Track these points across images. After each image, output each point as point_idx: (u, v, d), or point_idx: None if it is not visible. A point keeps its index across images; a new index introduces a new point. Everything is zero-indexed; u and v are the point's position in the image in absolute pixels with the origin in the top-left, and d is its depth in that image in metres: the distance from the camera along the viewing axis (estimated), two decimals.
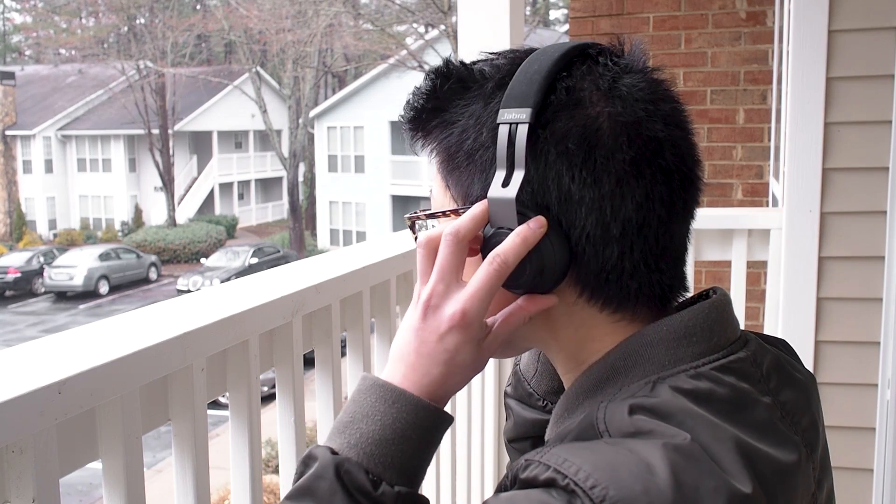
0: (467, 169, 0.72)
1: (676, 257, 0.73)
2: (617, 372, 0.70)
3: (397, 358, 0.73)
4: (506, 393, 1.00)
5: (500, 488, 0.67)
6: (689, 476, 0.59)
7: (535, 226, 0.69)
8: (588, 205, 0.67)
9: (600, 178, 0.67)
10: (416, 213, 0.80)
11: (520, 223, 0.68)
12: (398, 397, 0.70)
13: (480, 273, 0.70)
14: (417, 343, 0.72)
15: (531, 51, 0.74)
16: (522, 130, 0.67)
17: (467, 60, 0.76)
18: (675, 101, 0.72)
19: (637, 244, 0.69)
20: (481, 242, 0.72)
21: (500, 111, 0.69)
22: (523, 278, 0.70)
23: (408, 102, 0.76)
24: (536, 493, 0.60)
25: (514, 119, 0.68)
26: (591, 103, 0.68)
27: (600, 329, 0.72)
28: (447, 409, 0.74)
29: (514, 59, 0.73)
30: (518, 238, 0.69)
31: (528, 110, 0.67)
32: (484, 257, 0.71)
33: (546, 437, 0.77)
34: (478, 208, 0.71)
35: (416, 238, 0.82)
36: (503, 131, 0.68)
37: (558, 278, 0.70)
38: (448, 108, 0.73)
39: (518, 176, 0.68)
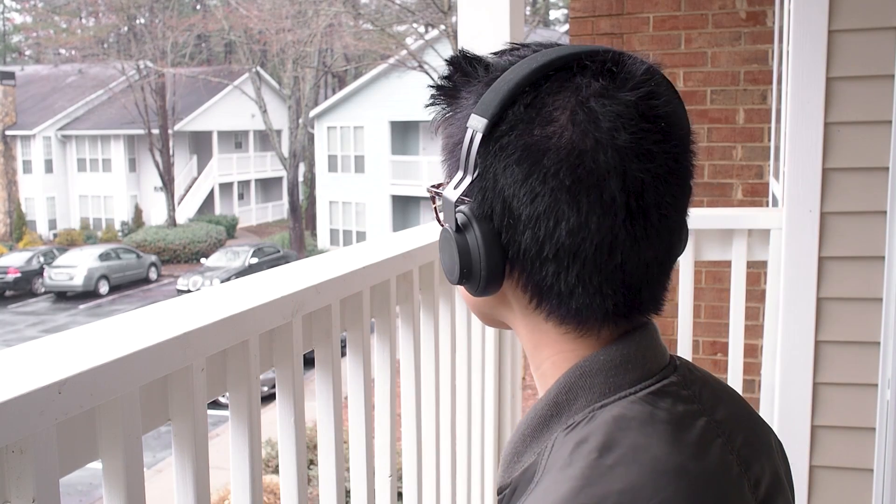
0: (449, 160, 0.75)
1: (630, 284, 0.70)
2: (560, 407, 0.72)
3: None
4: None
5: None
6: None
7: None
8: (524, 222, 0.68)
9: (535, 199, 0.67)
10: (435, 188, 0.83)
11: (462, 226, 0.72)
12: None
13: None
14: None
15: (536, 51, 0.73)
16: (477, 139, 0.69)
17: (495, 49, 0.77)
18: (649, 132, 0.67)
19: (573, 267, 0.68)
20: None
21: (471, 115, 0.71)
22: (452, 276, 0.75)
23: (433, 83, 0.79)
24: None
25: (474, 126, 0.70)
26: (543, 124, 0.67)
27: (549, 337, 0.75)
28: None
29: (515, 58, 0.73)
30: None
31: (485, 122, 0.69)
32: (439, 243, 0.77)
33: (496, 485, 0.77)
34: None
35: (435, 209, 0.85)
36: (468, 135, 0.71)
37: (484, 288, 0.73)
38: (457, 96, 0.75)
39: (466, 181, 0.71)
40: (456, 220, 0.72)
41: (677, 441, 0.68)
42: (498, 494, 0.76)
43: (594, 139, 0.66)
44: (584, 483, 0.64)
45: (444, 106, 0.77)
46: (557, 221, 0.67)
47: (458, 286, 0.79)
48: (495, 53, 0.76)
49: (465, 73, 0.75)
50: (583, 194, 0.66)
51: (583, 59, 0.70)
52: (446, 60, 0.77)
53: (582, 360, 0.72)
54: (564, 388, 0.72)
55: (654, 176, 0.68)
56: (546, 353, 0.75)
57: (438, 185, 0.83)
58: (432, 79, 0.82)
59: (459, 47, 0.79)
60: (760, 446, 0.78)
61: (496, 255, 0.70)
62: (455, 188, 0.71)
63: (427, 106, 0.78)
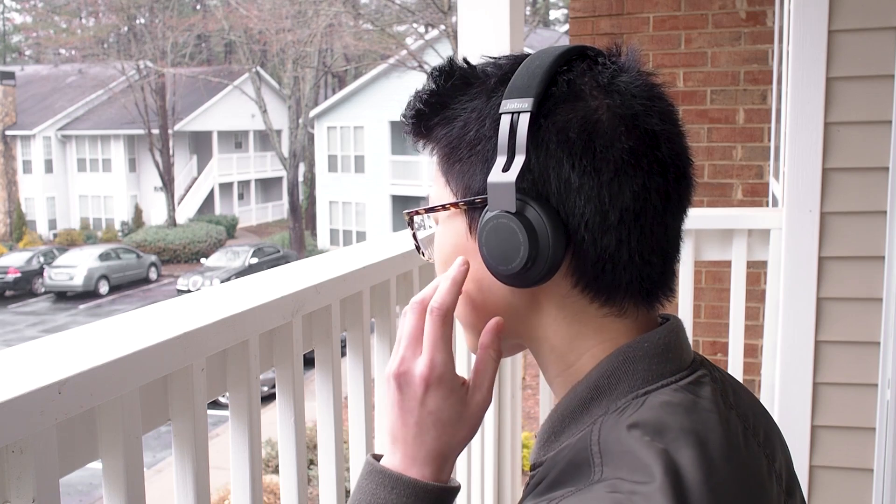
0: (468, 161, 0.73)
1: (666, 254, 0.74)
2: (601, 391, 0.72)
3: (391, 439, 0.76)
4: None
5: None
6: None
7: (462, 266, 0.75)
8: (587, 192, 0.69)
9: (599, 167, 0.69)
10: (415, 209, 0.81)
11: (518, 209, 0.69)
12: (396, 482, 0.73)
13: (428, 328, 0.75)
14: (404, 416, 0.75)
15: (531, 53, 0.76)
16: (524, 119, 0.69)
17: (470, 60, 0.78)
18: (670, 102, 0.74)
19: (634, 233, 0.70)
20: (476, 230, 0.73)
21: (503, 102, 0.71)
22: (514, 264, 0.70)
23: (410, 101, 0.78)
24: None
25: (516, 108, 0.70)
26: (590, 96, 0.70)
27: (590, 325, 0.73)
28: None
29: (516, 58, 0.75)
30: (449, 282, 0.75)
31: (531, 100, 0.69)
32: (479, 240, 0.72)
33: (531, 461, 0.77)
34: (454, 270, 0.75)
35: (414, 234, 0.84)
36: (505, 121, 0.70)
37: (548, 270, 0.70)
38: (450, 105, 0.75)
39: (519, 161, 0.69)
40: (516, 204, 0.70)
41: (722, 429, 0.69)
42: (531, 470, 0.76)
43: (641, 105, 0.71)
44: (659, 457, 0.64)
45: (433, 113, 0.76)
46: (622, 185, 0.69)
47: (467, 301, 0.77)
48: (479, 63, 0.77)
49: (463, 77, 0.75)
50: (643, 155, 0.70)
51: (589, 49, 0.75)
52: (437, 69, 0.76)
53: (625, 346, 0.73)
54: (606, 372, 0.72)
55: (682, 143, 0.74)
56: (586, 346, 0.74)
57: (414, 212, 0.82)
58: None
59: (449, 56, 0.79)
60: (776, 441, 0.80)
61: (561, 231, 0.69)
62: (505, 171, 0.69)
63: (413, 114, 0.77)
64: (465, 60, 0.77)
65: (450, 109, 0.75)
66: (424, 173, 25.98)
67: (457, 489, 0.75)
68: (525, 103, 0.69)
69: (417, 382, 0.74)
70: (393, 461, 0.75)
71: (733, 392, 0.77)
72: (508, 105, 0.70)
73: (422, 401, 0.74)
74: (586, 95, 0.70)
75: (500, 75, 0.73)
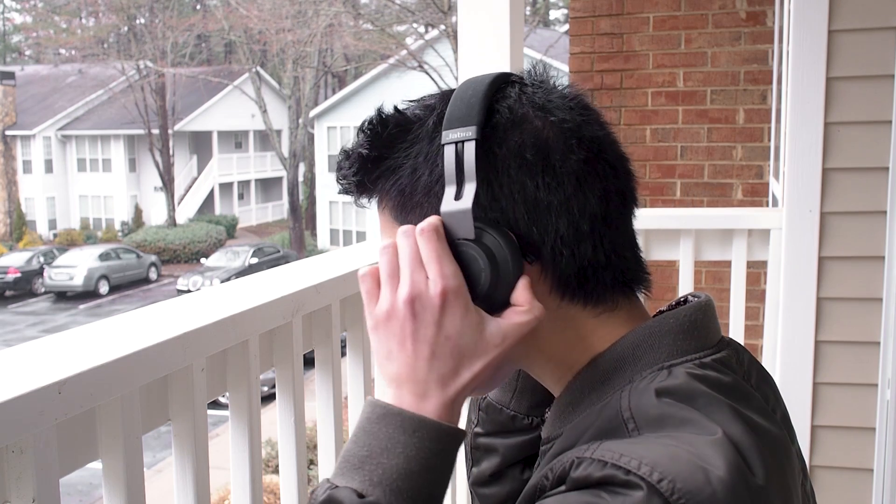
0: (428, 204, 0.73)
1: (634, 245, 0.77)
2: (625, 362, 0.72)
3: (395, 382, 0.70)
4: (476, 435, 0.95)
5: (537, 490, 0.67)
6: (740, 469, 0.61)
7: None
8: (556, 208, 0.70)
9: (562, 181, 0.71)
10: (371, 266, 0.77)
11: (477, 236, 0.70)
12: (419, 425, 0.67)
13: (424, 247, 0.69)
14: (416, 347, 0.69)
15: (450, 90, 0.77)
16: (470, 147, 0.69)
17: (400, 106, 0.77)
18: (598, 110, 0.77)
19: (606, 236, 0.72)
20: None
21: (444, 133, 0.71)
22: (476, 290, 0.70)
23: (347, 156, 0.77)
24: (590, 493, 0.60)
25: (458, 138, 0.70)
26: (534, 117, 0.72)
27: (586, 326, 0.74)
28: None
29: (442, 95, 0.76)
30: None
31: (473, 127, 0.70)
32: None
33: (544, 435, 0.77)
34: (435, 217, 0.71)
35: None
36: (449, 151, 0.70)
37: (507, 294, 0.70)
38: (390, 155, 0.75)
39: (470, 188, 0.69)
40: (474, 230, 0.69)
41: (745, 403, 0.70)
42: (545, 444, 0.76)
43: (580, 116, 0.73)
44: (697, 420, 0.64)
45: (375, 166, 0.75)
46: (586, 194, 0.71)
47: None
48: (406, 108, 0.76)
49: (398, 124, 0.75)
50: (598, 162, 0.73)
51: (512, 75, 0.77)
52: (368, 122, 0.76)
53: (651, 321, 0.74)
54: (631, 345, 0.73)
55: (619, 145, 0.77)
56: (584, 345, 0.74)
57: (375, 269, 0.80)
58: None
59: (377, 107, 0.77)
60: (792, 426, 0.82)
61: (517, 256, 0.70)
62: (457, 199, 0.69)
63: (354, 171, 0.76)
64: (395, 108, 0.76)
65: (391, 159, 0.74)
66: None
67: (465, 434, 0.72)
68: (468, 131, 0.70)
69: (435, 300, 0.67)
70: (403, 402, 0.68)
71: (758, 374, 0.78)
72: (450, 136, 0.70)
73: (439, 321, 0.68)
74: (529, 117, 0.72)
75: (437, 114, 0.74)
